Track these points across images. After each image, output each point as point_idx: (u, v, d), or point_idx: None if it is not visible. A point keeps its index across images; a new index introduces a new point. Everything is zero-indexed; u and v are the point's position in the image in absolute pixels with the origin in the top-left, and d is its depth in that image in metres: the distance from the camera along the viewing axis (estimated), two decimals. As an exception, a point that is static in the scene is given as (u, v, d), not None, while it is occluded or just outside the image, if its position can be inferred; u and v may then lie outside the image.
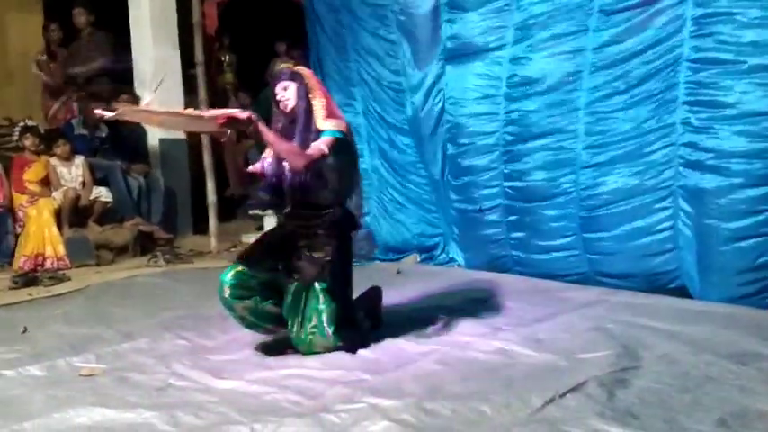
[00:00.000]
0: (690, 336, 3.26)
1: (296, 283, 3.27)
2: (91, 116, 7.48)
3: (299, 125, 3.31)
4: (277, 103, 3.39)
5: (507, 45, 4.81)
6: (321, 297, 3.23)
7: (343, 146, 3.33)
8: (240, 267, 3.26)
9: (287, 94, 3.34)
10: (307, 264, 3.27)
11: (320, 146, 3.22)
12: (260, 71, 8.63)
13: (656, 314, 3.66)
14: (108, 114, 3.12)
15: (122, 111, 3.26)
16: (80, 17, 7.84)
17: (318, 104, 3.32)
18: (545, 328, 3.52)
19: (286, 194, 3.41)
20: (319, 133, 3.26)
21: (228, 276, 3.23)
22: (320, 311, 3.23)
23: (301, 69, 3.46)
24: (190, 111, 3.45)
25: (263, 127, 3.15)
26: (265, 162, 3.44)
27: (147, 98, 3.56)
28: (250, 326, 3.36)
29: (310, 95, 3.33)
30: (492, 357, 3.09)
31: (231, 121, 3.11)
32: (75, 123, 7.52)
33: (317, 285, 3.25)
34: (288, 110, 3.34)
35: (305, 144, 3.25)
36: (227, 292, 3.23)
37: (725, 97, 3.80)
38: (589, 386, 2.62)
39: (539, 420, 2.36)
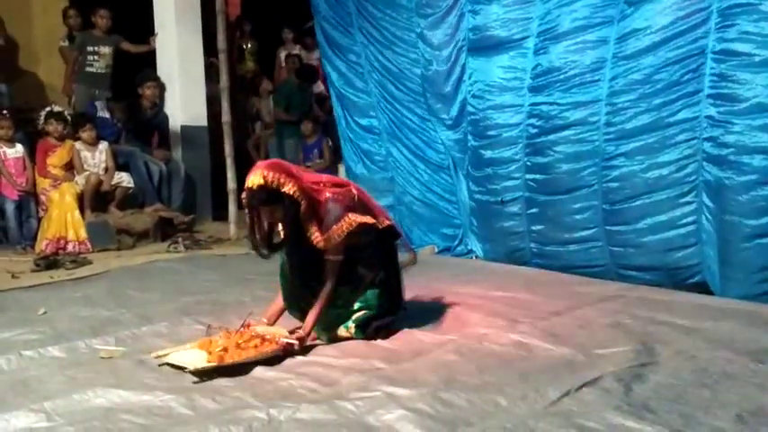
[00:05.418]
0: (708, 332, 3.24)
1: (348, 287, 3.31)
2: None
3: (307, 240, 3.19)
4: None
5: (531, 36, 4.77)
6: (367, 302, 3.32)
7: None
8: None
9: (275, 218, 3.16)
10: (364, 270, 3.33)
11: (333, 257, 3.20)
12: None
13: (675, 310, 3.64)
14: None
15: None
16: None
17: (312, 229, 3.16)
18: (562, 322, 3.50)
19: None
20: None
21: None
22: (359, 315, 3.31)
23: (277, 185, 3.03)
24: (255, 353, 2.98)
25: (306, 333, 3.16)
26: None
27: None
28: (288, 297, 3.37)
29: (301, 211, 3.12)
30: (509, 350, 3.08)
31: (288, 350, 3.05)
32: (100, 106, 7.56)
33: (368, 290, 3.33)
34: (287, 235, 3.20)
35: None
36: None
37: (747, 91, 3.74)
38: (606, 380, 2.61)
39: (555, 413, 2.36)
